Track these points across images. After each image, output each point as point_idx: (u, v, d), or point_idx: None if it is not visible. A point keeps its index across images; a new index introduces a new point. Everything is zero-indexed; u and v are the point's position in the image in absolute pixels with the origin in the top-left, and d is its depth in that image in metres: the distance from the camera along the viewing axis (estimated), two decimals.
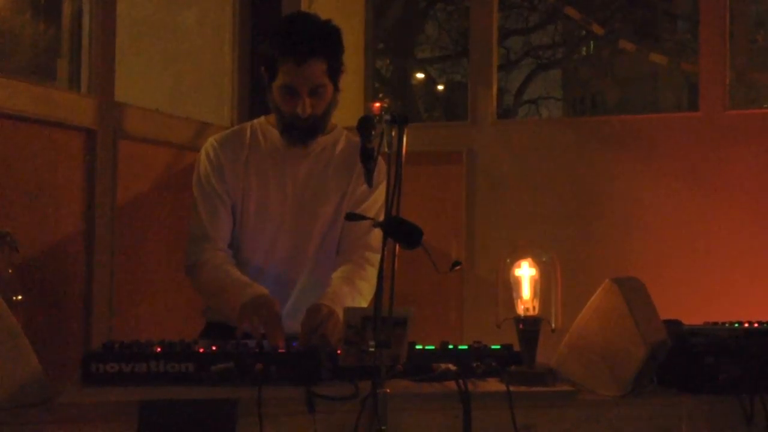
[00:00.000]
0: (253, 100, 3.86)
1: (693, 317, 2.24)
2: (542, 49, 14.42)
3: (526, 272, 1.98)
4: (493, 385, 1.93)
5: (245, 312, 2.14)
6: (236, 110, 3.82)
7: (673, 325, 2.09)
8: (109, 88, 3.15)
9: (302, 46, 2.27)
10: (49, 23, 3.65)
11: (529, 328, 1.95)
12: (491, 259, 2.91)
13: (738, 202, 3.41)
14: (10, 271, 2.06)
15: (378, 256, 2.24)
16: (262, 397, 1.72)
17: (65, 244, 2.98)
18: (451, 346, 2.05)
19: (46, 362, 1.82)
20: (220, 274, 2.33)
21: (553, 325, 1.95)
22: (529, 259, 1.99)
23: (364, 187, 2.38)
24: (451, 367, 1.94)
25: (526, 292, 1.97)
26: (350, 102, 4.34)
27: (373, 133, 1.87)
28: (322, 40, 2.32)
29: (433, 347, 2.05)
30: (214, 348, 1.89)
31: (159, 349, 1.87)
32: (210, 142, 2.48)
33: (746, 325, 2.19)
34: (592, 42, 14.52)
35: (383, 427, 1.67)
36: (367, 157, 1.86)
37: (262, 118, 2.52)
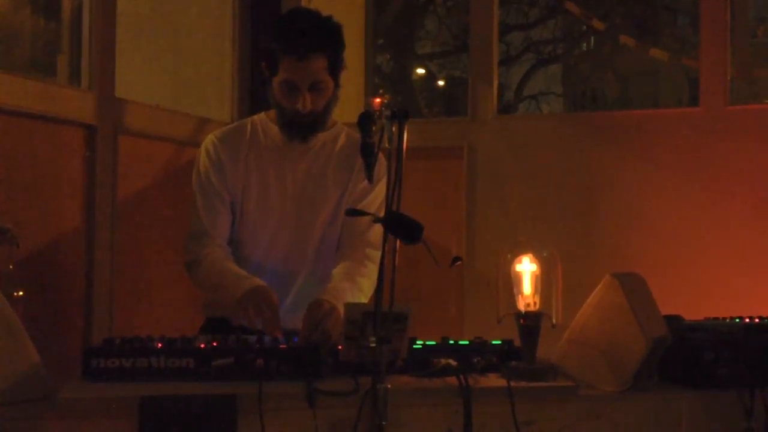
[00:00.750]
0: (254, 95, 3.86)
1: (693, 312, 2.25)
2: (542, 44, 14.41)
3: (526, 267, 1.98)
4: (494, 380, 1.93)
5: (243, 303, 2.15)
6: (236, 106, 3.82)
7: (673, 320, 2.09)
8: (109, 83, 3.14)
9: (303, 42, 2.27)
10: (49, 19, 3.65)
11: (530, 323, 1.95)
12: (492, 254, 2.91)
13: (739, 198, 3.41)
14: (10, 266, 2.06)
15: (378, 253, 2.28)
16: (262, 393, 1.73)
17: (66, 240, 2.98)
18: (451, 342, 2.05)
19: (47, 358, 1.83)
20: (219, 268, 2.33)
21: (553, 321, 1.96)
22: (530, 255, 1.99)
23: (365, 183, 2.38)
24: (452, 362, 1.94)
25: (527, 287, 1.97)
26: (350, 98, 4.34)
27: (373, 128, 1.87)
28: (324, 35, 2.32)
29: (433, 342, 2.05)
30: (214, 344, 1.89)
31: (160, 345, 1.88)
32: (210, 139, 2.48)
33: (746, 320, 2.19)
34: (592, 37, 14.51)
35: (384, 423, 1.67)
36: (368, 153, 1.86)
37: (263, 114, 2.51)
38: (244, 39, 3.83)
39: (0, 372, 1.70)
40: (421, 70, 14.10)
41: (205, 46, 3.92)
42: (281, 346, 1.89)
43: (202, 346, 1.88)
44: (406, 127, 1.84)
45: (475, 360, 1.99)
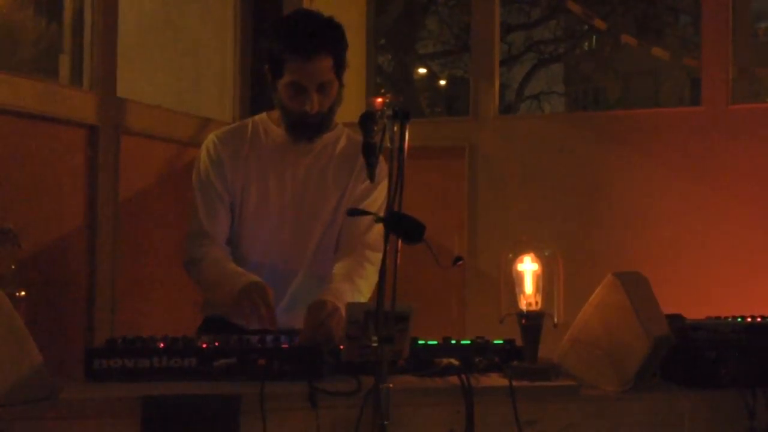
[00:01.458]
0: (255, 95, 3.86)
1: (695, 312, 2.24)
2: (544, 44, 14.41)
3: (528, 267, 1.98)
4: (496, 380, 1.93)
5: (239, 299, 2.16)
6: (238, 106, 3.82)
7: (675, 319, 2.09)
8: (111, 84, 3.14)
9: (309, 43, 2.27)
10: (51, 19, 3.65)
11: (532, 323, 1.95)
12: (493, 254, 2.91)
13: (740, 197, 3.40)
14: (12, 266, 2.06)
15: (377, 255, 2.26)
16: (265, 393, 1.73)
17: (68, 240, 2.98)
18: (453, 341, 2.05)
19: (49, 358, 1.83)
20: (217, 267, 2.34)
21: (555, 320, 1.96)
22: (532, 254, 1.98)
23: (365, 185, 2.39)
24: (454, 362, 1.94)
25: (529, 287, 1.97)
26: (352, 97, 4.34)
27: (375, 128, 1.87)
28: (328, 36, 2.33)
29: (435, 342, 2.05)
30: (216, 344, 1.89)
31: (162, 345, 1.88)
32: (210, 138, 2.48)
33: (749, 319, 2.19)
34: (594, 37, 14.51)
35: (386, 422, 1.67)
36: (369, 153, 1.87)
37: (264, 115, 2.52)
38: (246, 39, 3.84)
39: (2, 372, 1.70)
40: (422, 70, 14.11)
41: (207, 46, 3.92)
42: (283, 345, 1.89)
43: (205, 346, 1.88)
44: (407, 127, 1.84)
45: (477, 360, 1.99)
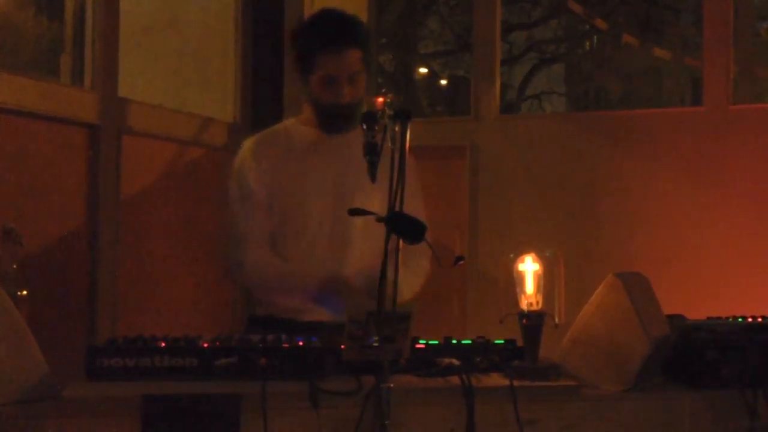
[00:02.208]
0: (256, 95, 3.86)
1: (696, 312, 2.24)
2: (545, 43, 14.39)
3: (529, 267, 1.98)
4: (497, 380, 1.93)
5: (323, 291, 2.26)
6: (239, 105, 3.82)
7: (676, 319, 2.09)
8: (112, 83, 3.15)
9: (340, 36, 2.38)
10: (52, 19, 3.65)
11: (533, 323, 1.95)
12: (494, 254, 2.91)
13: (742, 197, 3.40)
14: (14, 266, 2.06)
15: (427, 251, 2.33)
16: (266, 392, 1.73)
17: (69, 240, 2.99)
18: (454, 341, 2.05)
19: (51, 357, 1.83)
20: (275, 266, 2.41)
21: (556, 320, 1.96)
22: (533, 254, 1.99)
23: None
24: (455, 362, 1.94)
25: (530, 287, 1.97)
26: None
27: (376, 127, 1.88)
28: (356, 30, 2.43)
29: (436, 342, 2.05)
30: (218, 343, 1.89)
31: (163, 344, 1.88)
32: (246, 145, 2.53)
33: (749, 319, 2.19)
34: (595, 37, 14.49)
35: (386, 422, 1.67)
36: (371, 152, 1.87)
37: (292, 119, 2.58)
38: (247, 38, 3.84)
39: (4, 371, 1.71)
40: (423, 70, 14.10)
41: (208, 45, 3.92)
42: (284, 345, 1.89)
43: (206, 345, 1.88)
44: (408, 127, 1.85)
45: (478, 359, 1.99)
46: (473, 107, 3.79)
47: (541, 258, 1.98)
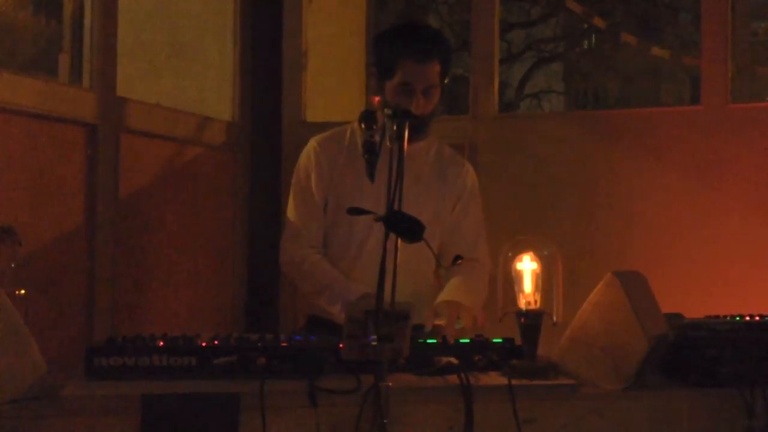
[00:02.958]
0: (255, 94, 3.86)
1: (694, 310, 2.25)
2: (544, 42, 14.39)
3: (527, 266, 1.98)
4: (495, 378, 1.93)
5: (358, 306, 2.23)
6: (238, 104, 3.82)
7: (674, 318, 2.10)
8: (110, 82, 3.15)
9: (424, 47, 2.42)
10: (51, 18, 3.65)
11: (531, 321, 1.95)
12: (493, 252, 2.91)
13: (740, 196, 3.41)
14: (12, 265, 2.06)
15: (485, 268, 2.52)
16: (264, 391, 1.73)
17: (67, 239, 2.99)
18: (452, 340, 2.06)
19: (50, 356, 1.83)
20: (322, 271, 2.44)
21: (554, 319, 1.96)
22: (531, 253, 1.99)
23: (460, 202, 2.56)
24: (453, 360, 1.94)
25: (528, 285, 1.97)
26: (352, 96, 4.34)
27: (375, 126, 1.88)
28: (440, 44, 2.47)
29: (434, 341, 2.05)
30: (216, 342, 1.89)
31: (162, 343, 1.88)
32: (311, 144, 2.55)
33: (747, 318, 2.19)
34: (593, 35, 14.49)
35: (385, 421, 1.67)
36: (369, 151, 1.87)
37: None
38: (246, 37, 3.84)
39: (3, 370, 1.71)
40: None
41: (207, 44, 3.92)
42: (283, 344, 1.89)
43: (204, 344, 1.88)
44: (406, 126, 1.85)
45: (476, 358, 1.99)
46: (472, 106, 3.79)
47: (539, 257, 1.98)
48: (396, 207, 1.76)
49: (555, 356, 2.02)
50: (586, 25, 13.24)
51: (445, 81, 2.48)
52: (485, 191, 3.66)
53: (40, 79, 2.98)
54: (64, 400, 1.74)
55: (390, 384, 1.69)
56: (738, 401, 1.95)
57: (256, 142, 3.83)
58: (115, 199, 3.13)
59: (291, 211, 2.53)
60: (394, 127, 1.90)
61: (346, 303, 2.24)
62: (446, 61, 2.46)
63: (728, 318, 2.21)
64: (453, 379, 1.86)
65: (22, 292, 2.04)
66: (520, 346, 1.98)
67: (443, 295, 2.44)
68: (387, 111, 1.85)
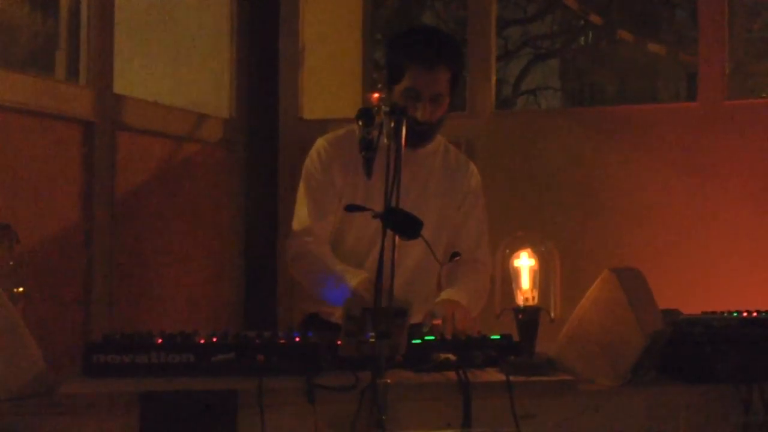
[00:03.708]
0: (251, 90, 3.86)
1: (691, 307, 2.25)
2: (540, 39, 14.38)
3: (525, 262, 1.98)
4: (493, 375, 1.94)
5: (357, 291, 2.23)
6: (235, 101, 3.82)
7: (671, 314, 2.10)
8: (107, 79, 3.14)
9: (433, 53, 2.38)
10: (47, 15, 3.65)
11: (528, 318, 1.95)
12: (490, 249, 2.92)
13: (736, 192, 3.41)
14: (10, 263, 2.06)
15: (487, 268, 2.46)
16: (263, 388, 1.73)
17: (65, 236, 2.98)
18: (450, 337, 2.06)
19: (48, 354, 1.83)
20: (325, 261, 2.41)
21: (552, 315, 1.96)
22: (528, 250, 1.99)
23: (466, 204, 2.56)
24: (451, 357, 1.94)
25: (525, 282, 1.97)
26: (349, 93, 4.34)
27: (372, 124, 1.88)
28: (451, 51, 2.43)
29: (432, 337, 2.06)
30: (214, 339, 1.89)
31: (160, 341, 1.88)
32: (321, 142, 2.54)
33: (744, 314, 2.20)
34: (590, 32, 14.48)
35: (383, 417, 1.67)
36: (366, 148, 1.87)
37: None
38: (242, 34, 3.83)
39: (1, 368, 1.71)
40: None
41: (203, 41, 3.92)
42: (281, 341, 1.89)
43: (202, 341, 1.88)
44: (404, 123, 1.85)
45: (474, 355, 1.99)
46: (469, 103, 3.79)
47: (537, 253, 1.99)
48: (394, 204, 1.76)
49: (552, 353, 2.02)
50: (582, 22, 13.23)
51: (457, 88, 2.46)
52: (482, 188, 3.68)
53: (36, 77, 2.97)
54: (63, 397, 1.74)
55: (388, 381, 1.69)
56: (734, 397, 1.95)
57: (253, 139, 3.83)
58: (112, 196, 3.13)
59: (300, 208, 2.51)
60: (392, 124, 1.89)
61: (347, 294, 2.24)
62: (456, 69, 2.42)
63: (725, 314, 2.22)
64: (451, 375, 1.87)
65: (20, 289, 2.04)
66: (518, 343, 1.99)
67: (443, 294, 2.45)
68: (384, 108, 1.85)
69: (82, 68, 3.24)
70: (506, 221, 3.59)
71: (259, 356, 1.84)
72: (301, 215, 2.49)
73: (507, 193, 3.66)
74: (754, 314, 2.20)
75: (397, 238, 2.34)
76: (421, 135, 2.43)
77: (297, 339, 1.92)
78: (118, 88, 3.20)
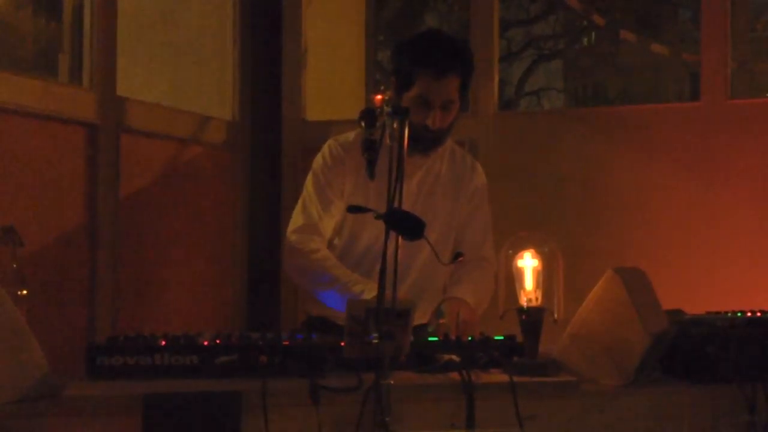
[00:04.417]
0: (255, 92, 3.86)
1: (695, 306, 2.25)
2: (543, 40, 14.38)
3: (528, 263, 1.98)
4: (496, 376, 1.93)
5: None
6: (238, 103, 3.82)
7: (675, 314, 2.10)
8: (110, 82, 3.15)
9: (443, 62, 2.37)
10: (50, 18, 3.65)
11: (532, 318, 1.95)
12: (494, 250, 2.92)
13: (740, 192, 3.41)
14: (14, 265, 2.06)
15: (492, 266, 2.48)
16: (266, 389, 1.73)
17: (69, 239, 2.99)
18: (454, 337, 2.06)
19: (51, 356, 1.83)
20: (332, 264, 2.41)
21: (555, 316, 1.96)
22: (532, 250, 1.99)
23: (471, 203, 2.57)
24: (454, 358, 1.94)
25: (529, 282, 1.97)
26: (352, 94, 4.34)
27: (375, 125, 1.88)
28: (461, 58, 2.42)
29: (436, 338, 2.05)
30: (218, 341, 1.90)
31: (163, 342, 1.88)
32: (331, 143, 2.54)
33: (748, 314, 2.20)
34: (593, 32, 14.47)
35: (387, 418, 1.67)
36: (369, 149, 1.88)
37: None
38: (246, 36, 3.84)
39: (4, 370, 1.71)
40: None
41: (206, 43, 3.92)
42: (284, 342, 1.89)
43: (206, 343, 1.89)
44: (406, 124, 1.85)
45: (478, 355, 1.99)
46: (472, 104, 3.78)
47: (540, 254, 1.99)
48: (397, 205, 1.76)
49: (556, 353, 2.02)
50: (585, 22, 13.22)
51: (467, 93, 2.46)
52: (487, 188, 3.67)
53: (40, 79, 2.98)
54: (66, 400, 1.74)
55: (392, 382, 1.69)
56: (739, 397, 1.95)
57: (256, 141, 3.83)
58: (115, 199, 3.14)
59: (304, 206, 2.50)
60: (395, 125, 1.89)
61: (352, 297, 2.24)
62: (467, 75, 2.41)
63: (729, 314, 2.21)
64: (454, 376, 1.86)
65: (24, 292, 2.04)
66: (522, 343, 1.99)
67: (449, 292, 2.44)
68: (387, 109, 1.86)
69: (85, 71, 3.24)
70: (509, 222, 3.60)
71: (262, 358, 1.85)
72: (307, 213, 2.49)
73: (510, 193, 3.65)
74: (759, 314, 2.19)
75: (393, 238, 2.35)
76: (432, 141, 2.44)
77: (300, 340, 1.92)
78: (122, 90, 3.20)
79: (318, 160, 2.54)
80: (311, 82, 3.97)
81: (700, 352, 1.98)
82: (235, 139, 3.76)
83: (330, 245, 2.52)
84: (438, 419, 1.84)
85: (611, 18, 11.55)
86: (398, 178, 1.76)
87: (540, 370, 1.94)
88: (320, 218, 2.48)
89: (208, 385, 1.78)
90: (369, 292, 2.27)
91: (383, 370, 1.68)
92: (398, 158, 1.76)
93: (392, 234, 1.76)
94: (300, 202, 2.53)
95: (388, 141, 1.83)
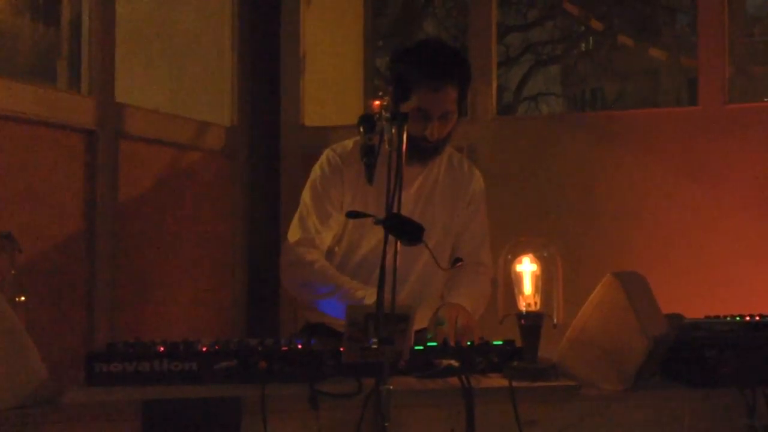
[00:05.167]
0: (253, 98, 3.86)
1: (694, 311, 2.25)
2: (541, 45, 14.42)
3: (527, 268, 1.98)
4: (496, 380, 1.93)
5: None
6: (236, 109, 3.82)
7: (674, 318, 2.10)
8: (109, 88, 3.15)
9: (440, 73, 2.36)
10: (49, 25, 3.66)
11: (531, 323, 1.95)
12: (492, 254, 2.92)
13: (738, 196, 3.41)
14: (12, 272, 2.06)
15: (489, 270, 2.51)
16: (265, 395, 1.73)
17: (67, 245, 2.99)
18: (453, 343, 2.05)
19: (50, 362, 1.83)
20: (332, 273, 2.41)
21: (554, 321, 1.96)
22: (530, 255, 1.99)
23: (469, 209, 2.57)
24: (454, 363, 1.94)
25: (528, 287, 1.97)
26: (350, 100, 4.34)
27: (373, 130, 1.89)
28: (458, 69, 2.41)
29: (435, 343, 2.05)
30: (217, 347, 1.89)
31: (162, 349, 1.88)
32: (329, 152, 2.54)
33: (747, 318, 2.20)
34: (591, 38, 14.51)
35: (386, 424, 1.67)
36: (367, 154, 1.88)
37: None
38: (243, 43, 3.84)
39: (3, 377, 1.71)
40: None
41: (205, 49, 3.92)
42: (283, 348, 1.89)
43: (205, 349, 1.88)
44: (405, 129, 1.85)
45: (477, 360, 1.99)
46: (470, 109, 3.79)
47: (539, 258, 1.99)
48: (395, 210, 1.76)
49: (556, 358, 2.02)
50: (583, 28, 13.26)
51: (464, 103, 2.46)
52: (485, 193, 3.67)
53: (38, 86, 2.97)
54: (65, 406, 1.74)
55: (391, 387, 1.69)
56: (739, 401, 1.95)
57: (255, 147, 3.83)
58: (114, 205, 3.13)
59: (301, 215, 2.50)
60: (393, 131, 1.90)
61: (354, 303, 2.24)
62: (464, 85, 2.41)
63: (728, 318, 2.21)
64: (454, 381, 1.86)
65: (23, 298, 2.04)
66: (521, 348, 1.99)
67: (446, 298, 2.45)
68: (385, 114, 1.86)
69: (83, 77, 3.24)
70: (508, 227, 3.59)
71: (261, 363, 1.84)
72: (304, 223, 2.49)
73: (509, 198, 3.66)
74: (758, 318, 2.20)
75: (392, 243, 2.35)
76: (431, 151, 2.45)
77: (299, 346, 1.92)
78: (120, 96, 3.20)
79: (316, 171, 2.53)
80: (310, 87, 3.97)
81: (699, 356, 1.98)
82: (234, 145, 3.76)
83: (329, 253, 2.52)
84: (437, 424, 1.84)
85: (609, 23, 11.59)
86: (397, 183, 1.76)
87: (539, 375, 1.93)
88: (318, 232, 2.47)
89: (207, 391, 1.78)
90: (370, 297, 2.26)
91: (383, 375, 1.68)
92: (397, 164, 1.76)
93: (391, 240, 1.76)
94: (297, 214, 2.53)
95: (386, 147, 1.83)
